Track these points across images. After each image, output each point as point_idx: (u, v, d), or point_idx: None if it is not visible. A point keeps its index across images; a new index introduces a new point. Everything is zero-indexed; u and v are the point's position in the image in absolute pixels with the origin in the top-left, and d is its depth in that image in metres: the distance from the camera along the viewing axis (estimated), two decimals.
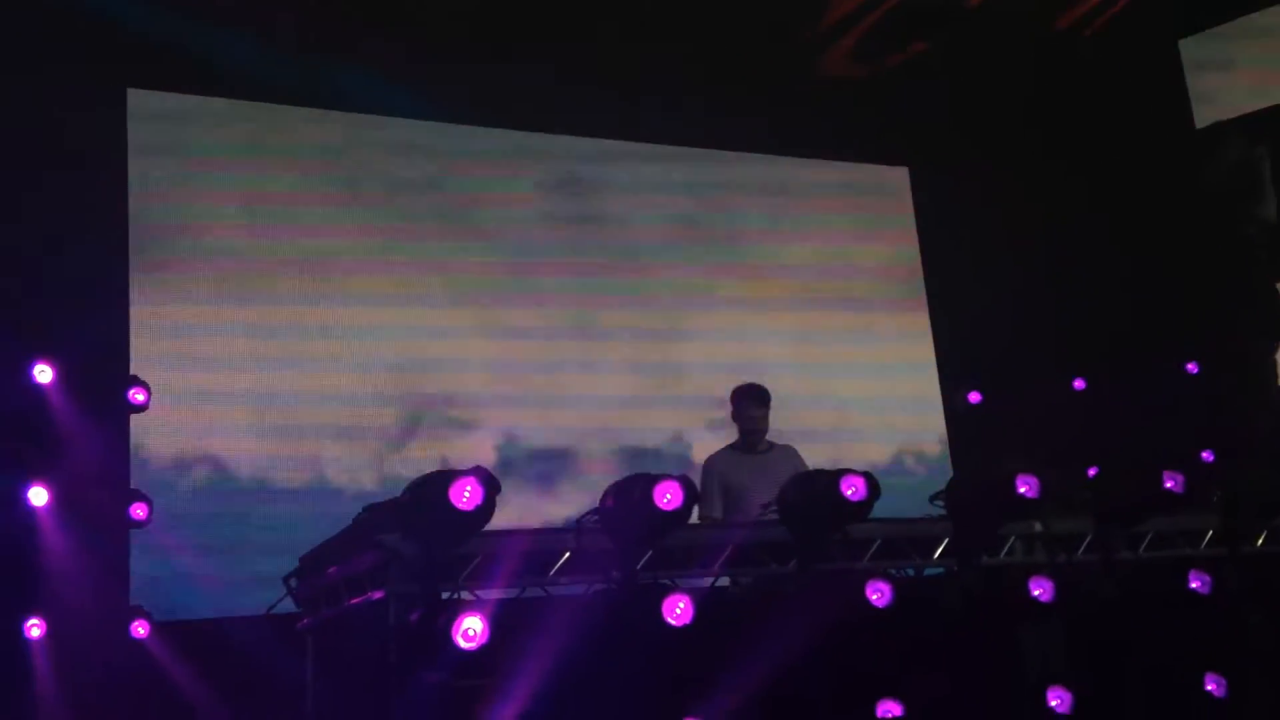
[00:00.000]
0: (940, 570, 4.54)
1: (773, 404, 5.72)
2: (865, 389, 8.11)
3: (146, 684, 5.25)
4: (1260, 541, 4.78)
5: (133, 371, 5.89)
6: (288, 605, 4.67)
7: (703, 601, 3.74)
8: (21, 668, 4.77)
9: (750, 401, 5.70)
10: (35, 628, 4.86)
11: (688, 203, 8.06)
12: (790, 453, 5.74)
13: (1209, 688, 4.06)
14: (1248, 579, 4.50)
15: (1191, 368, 7.09)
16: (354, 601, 4.02)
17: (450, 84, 7.11)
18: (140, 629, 5.34)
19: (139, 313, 6.30)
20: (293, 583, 4.63)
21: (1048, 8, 8.04)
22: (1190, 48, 8.27)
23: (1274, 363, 5.69)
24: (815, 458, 5.67)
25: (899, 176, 8.90)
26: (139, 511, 5.48)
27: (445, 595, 3.66)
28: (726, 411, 5.80)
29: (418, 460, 6.54)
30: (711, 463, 5.71)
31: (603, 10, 7.13)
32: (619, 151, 7.92)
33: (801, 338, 8.11)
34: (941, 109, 8.30)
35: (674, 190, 8.04)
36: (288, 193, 6.90)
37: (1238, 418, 6.12)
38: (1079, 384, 7.67)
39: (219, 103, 6.82)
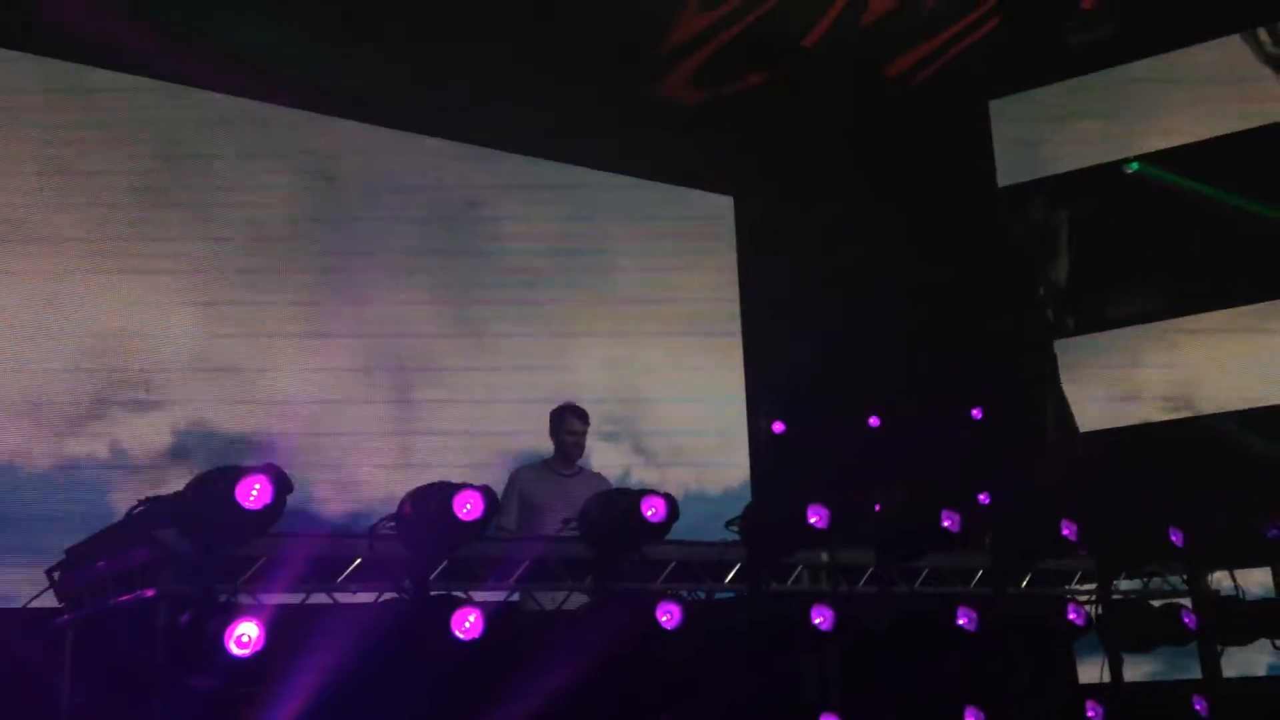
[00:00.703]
0: (731, 594, 4.64)
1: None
2: (676, 414, 8.21)
3: None
4: (1025, 583, 5.08)
5: None
6: (51, 599, 4.38)
7: (494, 616, 3.70)
8: None
9: (574, 418, 5.80)
10: None
11: (508, 211, 7.95)
12: (599, 480, 5.82)
13: None
14: (1011, 618, 4.76)
15: (976, 413, 7.49)
16: (122, 599, 3.81)
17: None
18: None
19: None
20: (56, 575, 4.34)
21: (879, 55, 8.39)
22: (1000, 109, 8.79)
23: (1047, 413, 6.07)
24: (620, 481, 5.73)
25: (724, 205, 9.06)
26: None
27: (223, 598, 3.51)
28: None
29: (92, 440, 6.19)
30: (516, 475, 5.76)
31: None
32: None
33: (617, 359, 8.13)
34: (769, 142, 8.52)
35: (495, 197, 7.89)
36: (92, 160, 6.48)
37: (1013, 464, 6.50)
38: (874, 421, 8.00)
39: (28, 59, 6.36)
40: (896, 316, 8.08)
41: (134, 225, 6.61)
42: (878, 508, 4.96)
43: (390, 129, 7.51)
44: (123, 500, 4.91)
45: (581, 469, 5.87)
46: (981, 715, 4.25)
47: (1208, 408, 7.82)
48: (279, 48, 6.65)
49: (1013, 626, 4.70)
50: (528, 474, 5.76)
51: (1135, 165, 8.09)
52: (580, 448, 5.81)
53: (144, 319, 6.52)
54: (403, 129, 7.55)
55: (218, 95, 6.94)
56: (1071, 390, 7.85)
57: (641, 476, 7.67)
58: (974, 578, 5.00)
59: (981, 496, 6.51)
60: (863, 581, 4.74)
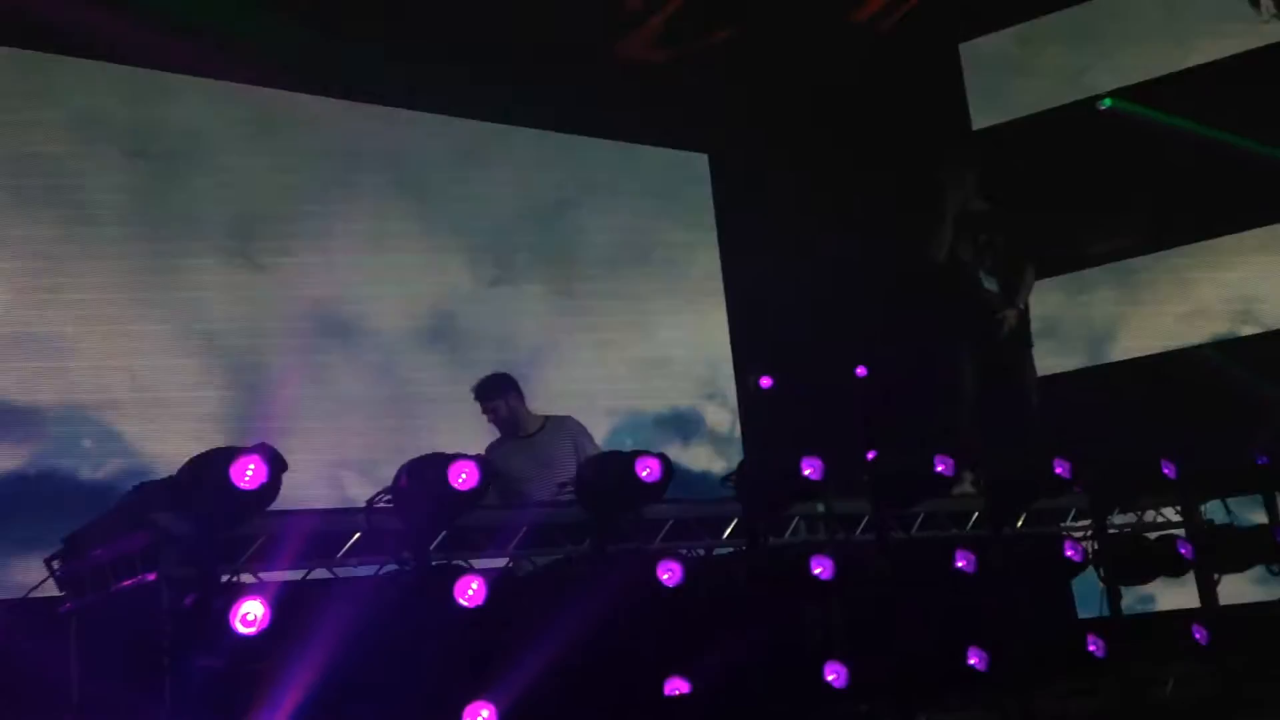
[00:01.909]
0: (729, 550, 4.66)
1: (565, 391, 5.74)
2: (661, 373, 8.23)
3: None
4: (1020, 523, 5.12)
5: None
6: (52, 588, 4.36)
7: (496, 583, 3.71)
8: None
9: (479, 403, 5.69)
10: None
11: (482, 180, 7.88)
12: (562, 425, 5.70)
13: (972, 661, 4.31)
14: (1010, 558, 4.81)
15: None
16: (124, 585, 3.80)
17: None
18: None
19: None
20: (55, 564, 4.32)
21: (843, 2, 8.33)
22: (971, 51, 8.76)
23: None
24: (610, 444, 5.69)
25: (699, 163, 9.03)
26: None
27: (224, 578, 3.50)
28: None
29: None
30: (488, 452, 5.61)
31: None
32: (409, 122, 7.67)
33: (590, 323, 8.11)
34: (741, 96, 8.47)
35: (467, 166, 7.83)
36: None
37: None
38: (861, 371, 8.00)
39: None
40: (876, 265, 8.08)
41: None
42: (870, 456, 4.98)
43: (352, 101, 7.40)
44: None
45: (545, 421, 5.71)
46: (985, 655, 4.29)
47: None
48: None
49: (1011, 566, 4.75)
50: (495, 450, 5.60)
51: (1109, 101, 8.09)
52: (500, 424, 5.67)
53: None
54: (365, 100, 7.45)
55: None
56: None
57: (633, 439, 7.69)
58: (970, 520, 5.04)
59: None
60: (859, 530, 4.77)
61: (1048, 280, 8.07)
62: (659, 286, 8.51)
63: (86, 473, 5.91)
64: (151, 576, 3.56)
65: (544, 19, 7.48)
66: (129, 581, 3.75)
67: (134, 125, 6.57)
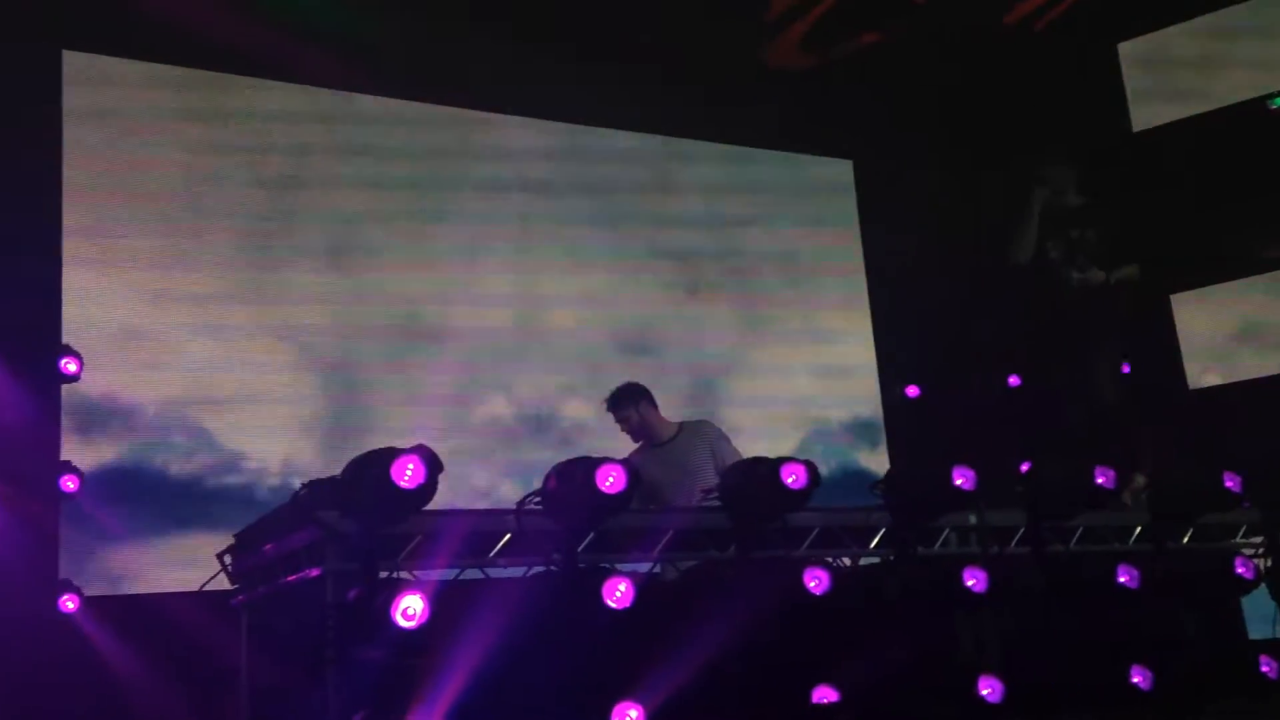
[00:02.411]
0: (876, 559, 4.60)
1: (716, 396, 5.74)
2: (804, 382, 8.19)
3: (76, 658, 5.16)
4: (1186, 539, 4.91)
5: (65, 341, 5.75)
6: (222, 581, 4.61)
7: (642, 586, 3.75)
8: None
9: (612, 414, 5.71)
10: None
11: (626, 191, 8.00)
12: (698, 430, 5.67)
13: (1135, 679, 4.16)
14: (1174, 574, 4.61)
15: (1125, 368, 7.23)
16: (290, 579, 3.98)
17: (380, 58, 6.94)
18: (69, 603, 5.23)
19: (72, 281, 6.13)
20: (227, 559, 4.56)
21: (996, 3, 8.13)
22: (1129, 51, 8.45)
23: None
24: (755, 448, 5.66)
25: (843, 170, 8.96)
26: (69, 483, 5.39)
27: (383, 574, 3.63)
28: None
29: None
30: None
31: None
32: (559, 133, 7.82)
33: (741, 330, 8.14)
34: (887, 102, 8.36)
35: (610, 177, 7.95)
36: (229, 160, 6.73)
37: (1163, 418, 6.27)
38: (1014, 380, 7.80)
39: (158, 68, 6.62)
40: (1029, 273, 7.85)
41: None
42: (1026, 467, 4.85)
43: (505, 114, 7.60)
44: None
45: (681, 428, 5.69)
46: (1149, 673, 4.12)
47: None
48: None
49: (1177, 582, 4.56)
50: (636, 459, 5.50)
51: (1278, 101, 7.70)
52: (634, 433, 5.68)
53: None
54: (515, 113, 7.63)
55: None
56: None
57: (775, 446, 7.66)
58: (1133, 535, 4.86)
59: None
60: (1014, 543, 4.64)
61: (1239, 281, 7.75)
62: (838, 297, 8.56)
63: (176, 468, 6.20)
64: (316, 571, 3.73)
65: (690, 28, 7.52)
66: (295, 576, 3.93)
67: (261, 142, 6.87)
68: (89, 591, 5.36)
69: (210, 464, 6.29)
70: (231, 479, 6.30)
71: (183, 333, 6.34)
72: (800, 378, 8.16)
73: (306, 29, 6.41)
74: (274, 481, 6.33)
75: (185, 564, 5.43)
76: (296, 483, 4.07)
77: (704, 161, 8.34)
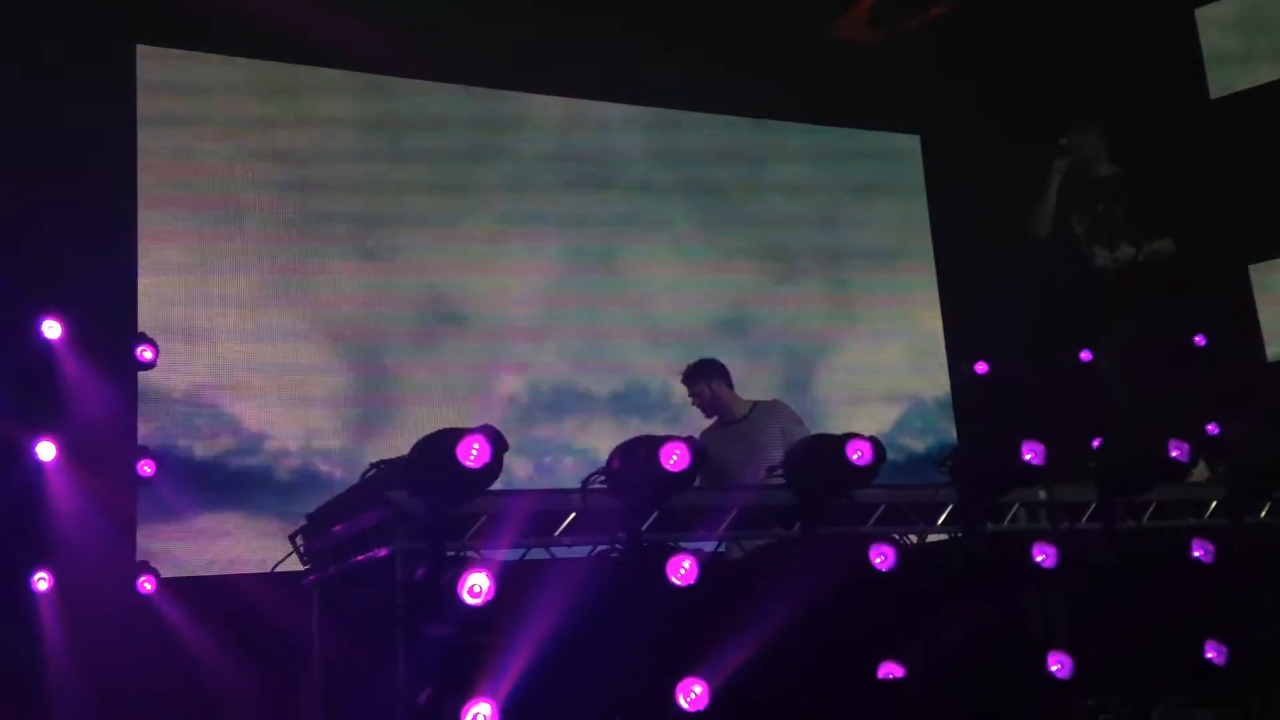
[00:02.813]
0: (944, 536, 4.55)
1: (784, 370, 5.70)
2: (872, 356, 8.14)
3: (152, 638, 5.30)
4: (1264, 513, 4.79)
5: (141, 328, 5.89)
6: (294, 562, 4.70)
7: (707, 563, 3.75)
8: (29, 619, 4.81)
9: (685, 387, 5.73)
10: (43, 581, 4.90)
11: (694, 166, 8.01)
12: (771, 410, 5.65)
13: (1209, 655, 4.07)
14: (1251, 548, 4.51)
15: (1199, 340, 7.07)
16: (360, 558, 4.05)
17: (455, 48, 7.04)
18: (147, 584, 5.38)
19: (148, 269, 6.28)
20: (299, 539, 4.65)
21: None
22: (1207, 14, 8.20)
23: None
24: (821, 424, 5.63)
25: (910, 143, 8.86)
26: (146, 468, 5.52)
27: (451, 553, 3.67)
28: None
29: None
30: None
31: None
32: (624, 114, 7.85)
33: (809, 305, 8.12)
34: (954, 74, 8.23)
35: (681, 154, 7.98)
36: (303, 151, 6.86)
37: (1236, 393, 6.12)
38: (1085, 355, 7.66)
39: (234, 61, 6.77)
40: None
41: None
42: (1096, 443, 4.77)
43: (565, 97, 7.62)
44: None
45: (754, 406, 5.66)
46: (1224, 649, 4.03)
47: None
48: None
49: (1254, 556, 4.45)
50: (705, 437, 5.55)
51: None
52: (705, 407, 5.69)
53: None
54: (578, 96, 7.65)
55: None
56: None
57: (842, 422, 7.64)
58: (1208, 510, 4.75)
59: (1210, 427, 6.15)
60: (1085, 518, 4.57)
61: None
62: (920, 277, 8.56)
63: (200, 451, 6.32)
64: (385, 551, 3.79)
65: (758, 6, 7.47)
66: (365, 555, 3.99)
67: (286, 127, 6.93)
68: (165, 573, 5.51)
69: (273, 451, 6.43)
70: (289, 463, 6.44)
71: (234, 328, 6.49)
72: (891, 353, 8.23)
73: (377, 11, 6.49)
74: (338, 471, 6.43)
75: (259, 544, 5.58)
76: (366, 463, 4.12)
77: (775, 135, 8.35)
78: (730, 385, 5.76)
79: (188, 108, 6.58)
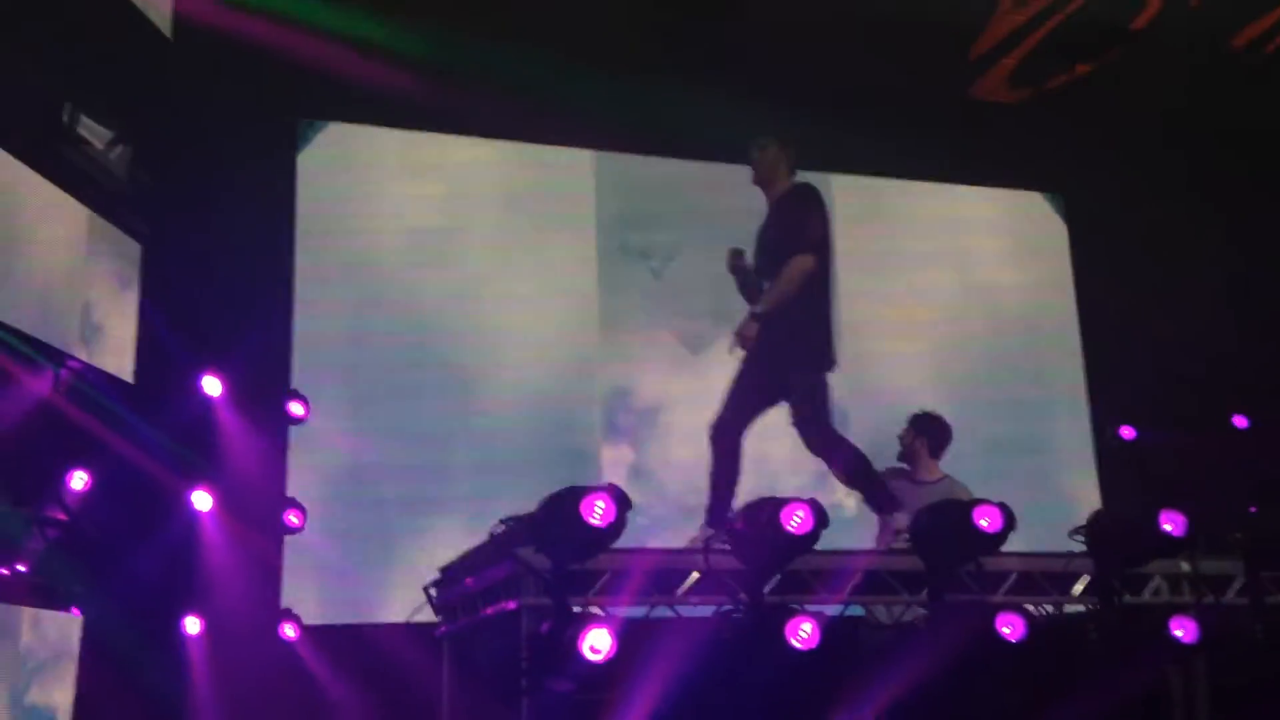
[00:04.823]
0: (1080, 608, 4.41)
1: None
2: (1011, 420, 7.93)
3: (294, 683, 5.51)
4: None
5: (293, 385, 6.18)
6: (428, 614, 4.85)
7: (829, 627, 3.73)
8: (179, 660, 5.06)
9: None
10: (194, 624, 5.16)
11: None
12: (960, 488, 5.44)
13: None
14: None
15: None
16: (488, 611, 4.15)
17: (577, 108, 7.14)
18: (290, 630, 5.60)
19: (302, 327, 6.60)
20: (432, 592, 4.80)
21: (1221, 27, 7.72)
22: None
23: None
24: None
25: (1054, 204, 8.70)
26: (294, 518, 5.76)
27: (576, 609, 3.74)
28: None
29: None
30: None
31: (742, 24, 7.10)
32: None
33: (948, 368, 7.97)
34: (1099, 133, 8.06)
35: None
36: (450, 219, 7.16)
37: None
38: (1240, 421, 7.32)
39: (389, 132, 7.12)
40: (1252, 310, 7.39)
41: None
42: (1253, 510, 4.57)
43: (696, 161, 7.72)
44: None
45: (944, 477, 5.53)
46: None
47: None
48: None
49: None
50: (892, 479, 5.34)
51: None
52: (912, 453, 5.57)
53: None
54: (708, 160, 7.73)
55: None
56: None
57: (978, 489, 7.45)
58: None
59: None
60: (1232, 593, 4.37)
61: None
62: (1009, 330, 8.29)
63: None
64: (513, 604, 3.88)
65: (897, 66, 7.45)
66: (493, 609, 4.10)
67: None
68: (307, 620, 5.72)
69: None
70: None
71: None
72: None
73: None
74: None
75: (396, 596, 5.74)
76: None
77: (909, 197, 8.27)
78: (932, 454, 5.61)
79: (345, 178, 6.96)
